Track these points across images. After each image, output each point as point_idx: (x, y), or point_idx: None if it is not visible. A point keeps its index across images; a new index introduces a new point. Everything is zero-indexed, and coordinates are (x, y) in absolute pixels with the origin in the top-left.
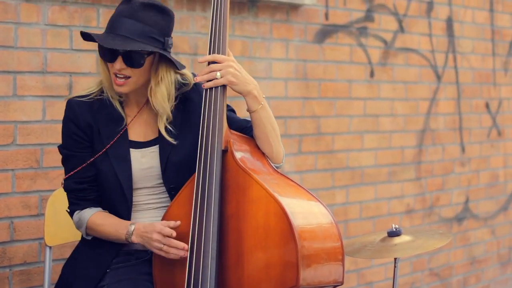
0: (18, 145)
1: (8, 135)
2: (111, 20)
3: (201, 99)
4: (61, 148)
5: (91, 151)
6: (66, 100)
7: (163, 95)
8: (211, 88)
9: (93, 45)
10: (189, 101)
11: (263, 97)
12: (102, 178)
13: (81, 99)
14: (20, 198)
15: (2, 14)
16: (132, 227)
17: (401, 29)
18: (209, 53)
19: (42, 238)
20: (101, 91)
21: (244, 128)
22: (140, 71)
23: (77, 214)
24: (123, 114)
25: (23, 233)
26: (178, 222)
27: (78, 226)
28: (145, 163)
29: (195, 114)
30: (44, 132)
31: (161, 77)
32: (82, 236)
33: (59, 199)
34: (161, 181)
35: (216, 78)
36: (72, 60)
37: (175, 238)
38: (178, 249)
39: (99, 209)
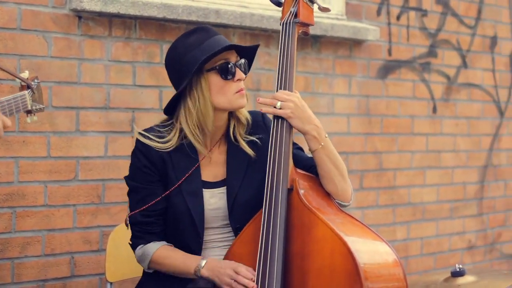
0: (80, 180)
1: (70, 170)
2: (208, 45)
3: (269, 139)
4: (128, 179)
5: (161, 184)
6: (137, 132)
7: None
8: (277, 123)
9: (156, 81)
10: (257, 141)
11: (326, 137)
12: (173, 212)
13: (154, 137)
14: (81, 234)
15: (66, 50)
16: (204, 261)
17: (464, 64)
18: (276, 90)
19: (103, 274)
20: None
21: (311, 167)
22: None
23: (140, 248)
24: (200, 149)
25: (83, 268)
26: (252, 276)
27: (141, 260)
28: (213, 204)
29: (263, 154)
30: (106, 167)
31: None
32: (144, 271)
33: (120, 234)
34: (227, 222)
35: (275, 107)
36: (135, 96)
37: None
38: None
39: (164, 243)
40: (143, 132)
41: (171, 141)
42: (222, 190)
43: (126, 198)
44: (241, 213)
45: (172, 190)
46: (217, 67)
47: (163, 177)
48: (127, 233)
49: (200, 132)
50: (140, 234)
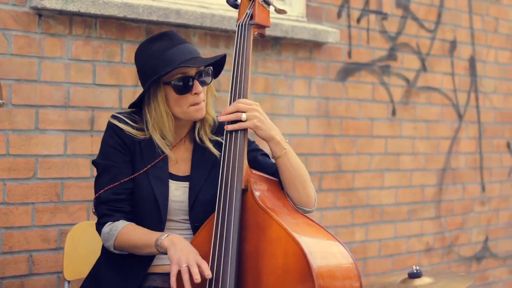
0: (39, 178)
1: (29, 168)
2: (169, 56)
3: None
4: (99, 160)
5: (130, 165)
6: (113, 114)
7: (212, 105)
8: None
9: (116, 80)
10: (219, 141)
11: (286, 142)
12: (139, 195)
13: (128, 121)
14: (40, 232)
15: (26, 48)
16: (168, 234)
17: (424, 68)
18: (232, 100)
19: (61, 272)
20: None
21: (275, 172)
22: (205, 89)
23: (109, 225)
24: (161, 146)
25: (41, 266)
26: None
27: (108, 237)
28: (177, 196)
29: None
30: (65, 166)
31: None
32: (99, 257)
33: (78, 233)
34: (187, 217)
35: (241, 120)
36: (95, 95)
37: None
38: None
39: (133, 223)
40: (117, 114)
41: (143, 131)
42: (187, 184)
43: (85, 197)
44: (202, 211)
45: (139, 173)
46: (172, 83)
47: (132, 159)
48: (85, 231)
49: (160, 134)
50: (110, 212)
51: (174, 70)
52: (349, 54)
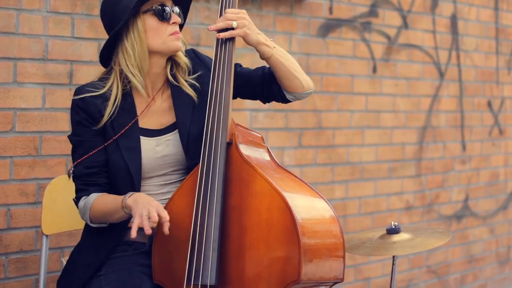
0: (17, 132)
1: (7, 122)
2: None
3: (207, 73)
4: (71, 136)
5: (102, 138)
6: (75, 88)
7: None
8: (221, 55)
9: (95, 34)
10: (198, 85)
11: (271, 40)
12: (111, 167)
13: (91, 89)
14: (18, 186)
15: (4, 0)
16: (131, 193)
17: (405, 25)
18: (220, 14)
19: (39, 226)
20: (112, 86)
21: (263, 75)
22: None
23: (83, 199)
24: (142, 92)
25: (20, 220)
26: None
27: (83, 212)
28: (159, 152)
29: (206, 95)
30: (44, 119)
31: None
32: (83, 231)
33: (57, 187)
34: (173, 168)
35: (233, 28)
36: (74, 48)
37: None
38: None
39: (105, 193)
40: (80, 88)
41: (111, 89)
42: (169, 137)
43: (63, 151)
44: (195, 148)
45: (109, 143)
46: (154, 8)
47: (102, 130)
48: (64, 186)
49: (141, 74)
50: (84, 187)
51: None
52: (330, 10)
